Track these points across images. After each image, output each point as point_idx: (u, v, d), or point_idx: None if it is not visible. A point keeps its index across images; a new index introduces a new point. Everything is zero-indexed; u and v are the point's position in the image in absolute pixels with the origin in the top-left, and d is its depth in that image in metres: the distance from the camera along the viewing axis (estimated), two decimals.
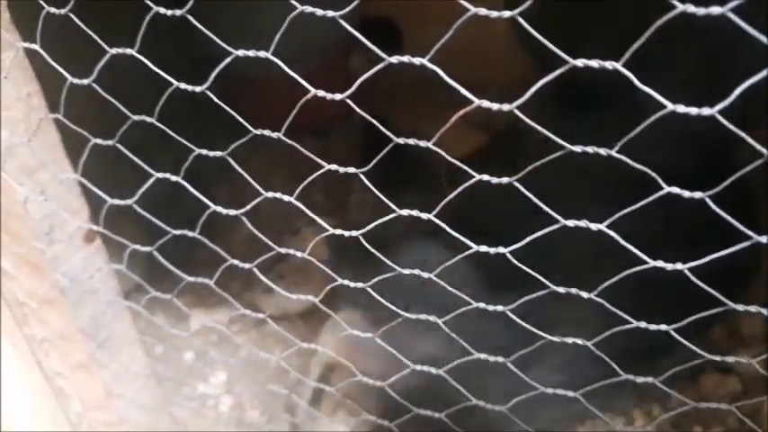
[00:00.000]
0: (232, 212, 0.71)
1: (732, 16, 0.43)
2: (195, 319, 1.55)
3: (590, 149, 0.50)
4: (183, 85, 0.64)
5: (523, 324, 0.66)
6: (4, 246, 0.90)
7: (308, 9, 0.53)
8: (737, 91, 0.45)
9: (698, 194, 0.49)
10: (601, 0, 1.29)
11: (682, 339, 0.57)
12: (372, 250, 0.68)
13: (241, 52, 0.58)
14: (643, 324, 0.58)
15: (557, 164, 0.53)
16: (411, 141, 0.56)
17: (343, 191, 1.86)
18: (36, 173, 0.84)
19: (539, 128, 0.53)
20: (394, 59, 0.52)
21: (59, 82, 0.72)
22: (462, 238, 0.59)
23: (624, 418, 1.33)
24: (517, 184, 0.54)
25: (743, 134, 0.47)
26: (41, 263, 0.90)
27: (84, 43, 0.68)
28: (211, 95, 0.64)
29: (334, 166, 0.61)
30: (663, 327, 0.57)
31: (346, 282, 0.71)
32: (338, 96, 0.55)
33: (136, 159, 0.74)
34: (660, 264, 0.53)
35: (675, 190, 0.49)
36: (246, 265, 0.75)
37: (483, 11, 0.47)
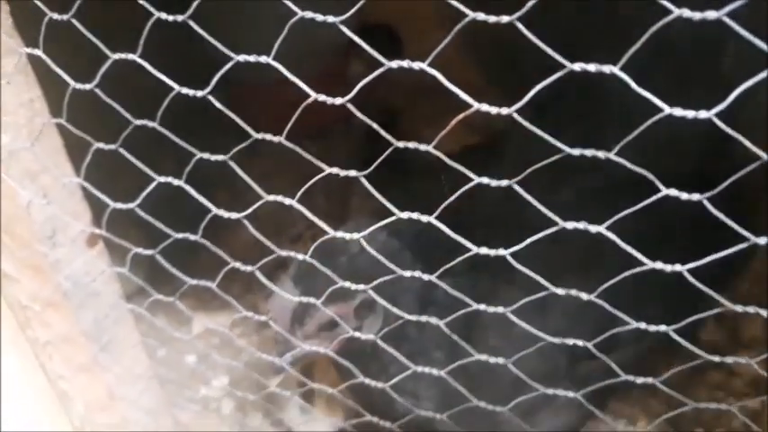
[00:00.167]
0: (234, 216, 0.72)
1: (727, 20, 0.43)
2: (197, 322, 1.55)
3: (588, 153, 0.50)
4: (185, 90, 0.65)
5: (522, 324, 0.67)
6: (8, 249, 0.91)
7: (309, 15, 0.53)
8: (734, 94, 0.45)
9: (695, 196, 0.50)
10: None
11: (681, 340, 0.58)
12: (374, 252, 0.68)
13: (242, 57, 0.58)
14: (642, 325, 0.58)
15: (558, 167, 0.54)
16: (411, 145, 0.57)
17: (344, 193, 1.86)
18: (39, 177, 0.85)
19: (539, 132, 0.53)
20: (393, 64, 0.52)
21: (62, 87, 0.73)
22: (462, 240, 0.59)
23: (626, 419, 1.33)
24: (517, 187, 0.55)
25: (740, 137, 0.48)
26: (44, 266, 0.90)
27: (85, 48, 0.69)
28: (213, 100, 0.64)
29: (335, 170, 0.61)
30: (662, 327, 0.57)
31: (347, 284, 0.71)
32: (338, 101, 0.56)
33: (138, 163, 0.75)
34: (659, 265, 0.54)
35: (674, 192, 0.50)
36: (248, 268, 0.75)
37: (482, 15, 0.48)
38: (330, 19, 0.53)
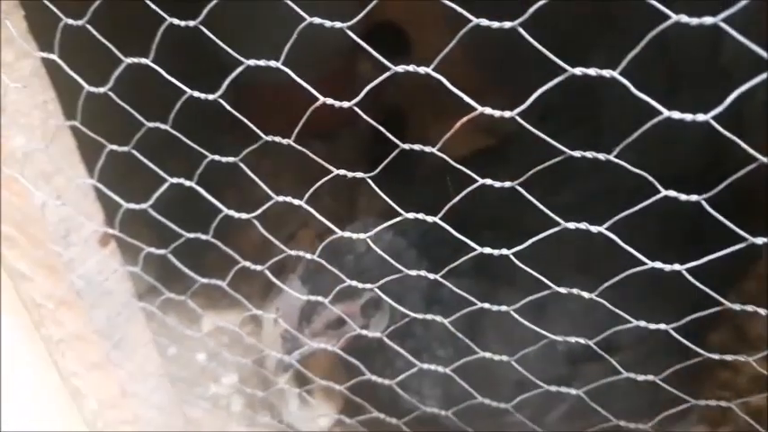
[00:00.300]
0: (244, 216, 0.73)
1: (724, 26, 0.44)
2: (207, 320, 1.57)
3: (589, 155, 0.52)
4: (196, 93, 0.66)
5: (525, 322, 0.68)
6: (23, 249, 0.93)
7: (317, 20, 0.55)
8: (731, 97, 0.46)
9: (694, 197, 0.51)
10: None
11: (681, 338, 0.59)
12: (381, 252, 0.70)
13: (252, 62, 0.60)
14: (642, 323, 0.59)
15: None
16: (417, 147, 0.58)
17: (353, 193, 1.87)
18: (53, 178, 0.86)
19: (541, 135, 0.54)
20: (399, 68, 0.53)
21: (75, 89, 0.74)
22: (466, 240, 0.60)
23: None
24: (519, 188, 0.56)
25: (737, 139, 0.49)
26: (58, 265, 0.92)
27: (98, 52, 0.70)
28: (224, 103, 0.66)
29: (342, 171, 0.62)
30: (662, 326, 0.59)
31: (354, 283, 0.73)
32: (345, 104, 0.57)
33: (150, 165, 0.76)
34: (659, 265, 0.55)
35: (672, 193, 0.51)
36: (258, 267, 0.77)
37: (485, 21, 0.49)
38: (338, 25, 0.54)
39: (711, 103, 0.47)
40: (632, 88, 0.48)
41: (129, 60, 0.66)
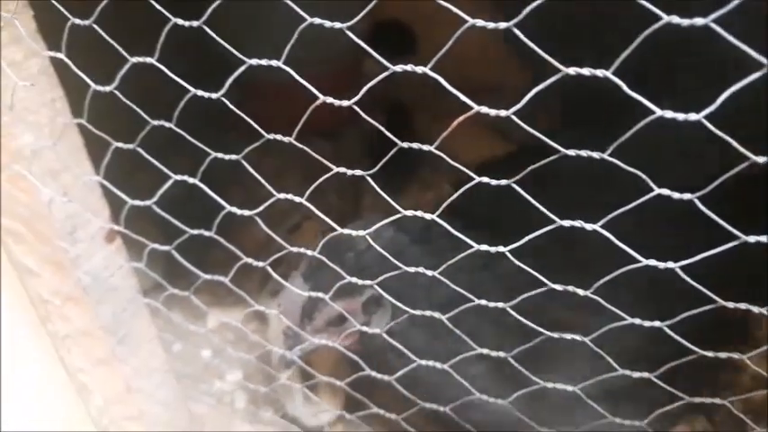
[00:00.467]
0: (246, 213, 0.74)
1: (715, 27, 0.45)
2: (212, 317, 1.58)
3: (584, 153, 0.52)
4: (200, 92, 0.67)
5: (525, 321, 0.69)
6: (30, 245, 0.94)
7: (317, 21, 0.56)
8: (723, 96, 0.47)
9: (687, 196, 0.51)
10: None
11: (675, 335, 0.59)
12: (379, 249, 0.71)
13: (254, 61, 0.61)
14: (637, 321, 0.60)
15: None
16: (415, 145, 0.59)
17: (357, 189, 1.89)
18: (60, 175, 0.88)
19: (537, 134, 0.55)
20: (398, 68, 0.54)
21: (83, 88, 0.75)
22: (464, 238, 0.61)
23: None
24: (516, 187, 0.57)
25: (730, 139, 0.49)
26: (65, 261, 0.93)
27: (105, 51, 0.71)
28: (227, 102, 0.67)
29: (342, 169, 0.63)
30: (656, 323, 0.59)
31: (354, 279, 0.74)
32: (345, 103, 0.58)
33: (155, 162, 0.78)
34: (653, 262, 0.55)
35: (665, 192, 0.52)
36: (260, 264, 0.78)
37: (480, 22, 0.50)
38: (337, 25, 0.55)
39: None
40: (625, 87, 0.49)
41: (135, 60, 0.68)
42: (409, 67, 0.55)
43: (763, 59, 0.46)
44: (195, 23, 0.62)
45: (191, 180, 0.76)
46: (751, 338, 1.44)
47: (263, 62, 0.61)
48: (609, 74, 0.48)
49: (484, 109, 0.53)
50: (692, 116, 0.48)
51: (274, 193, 0.70)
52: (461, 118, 0.55)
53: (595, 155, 0.52)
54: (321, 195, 0.69)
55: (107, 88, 0.72)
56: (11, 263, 0.98)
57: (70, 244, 0.91)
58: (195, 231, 0.82)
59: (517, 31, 0.50)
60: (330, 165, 0.65)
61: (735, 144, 0.49)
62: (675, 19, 0.45)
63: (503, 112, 0.52)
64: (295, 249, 0.76)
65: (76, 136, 0.88)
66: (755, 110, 0.88)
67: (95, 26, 0.68)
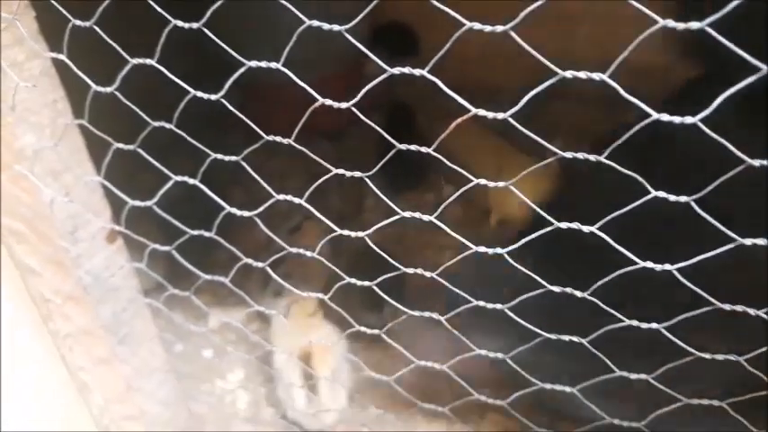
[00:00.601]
0: (246, 214, 0.75)
1: (710, 31, 0.45)
2: (214, 317, 1.59)
3: (580, 156, 0.53)
4: (199, 93, 0.67)
5: (523, 323, 0.69)
6: (32, 245, 0.95)
7: (315, 23, 0.56)
8: (719, 100, 0.47)
9: (683, 198, 0.52)
10: None
11: (672, 337, 0.60)
12: (377, 250, 0.71)
13: (254, 63, 0.61)
14: (635, 322, 0.60)
15: None
16: (413, 147, 0.59)
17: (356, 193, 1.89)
18: (61, 175, 0.88)
19: (535, 137, 0.55)
20: (396, 70, 0.55)
21: (84, 89, 0.76)
22: (462, 239, 0.62)
23: None
24: (514, 188, 0.57)
25: (725, 142, 0.50)
26: (66, 261, 0.94)
27: (107, 52, 0.72)
28: (226, 103, 0.67)
29: (341, 171, 0.64)
30: (654, 325, 0.59)
31: (353, 280, 0.74)
32: (344, 105, 0.58)
33: (155, 163, 0.78)
34: (650, 264, 0.56)
35: (662, 194, 0.52)
36: (259, 264, 0.78)
37: (477, 25, 0.50)
38: (335, 28, 0.55)
39: None
40: (622, 91, 0.49)
41: (135, 61, 0.68)
42: (407, 70, 0.55)
43: (761, 65, 0.46)
44: (195, 25, 0.62)
45: (191, 181, 0.76)
46: None
47: (263, 64, 0.61)
48: (605, 77, 0.49)
49: (481, 111, 0.53)
50: (689, 119, 0.48)
51: (273, 194, 0.70)
52: (459, 120, 0.56)
53: (591, 157, 0.52)
54: (325, 196, 0.69)
55: (108, 89, 0.72)
56: (13, 262, 0.99)
57: (71, 244, 0.92)
58: (195, 232, 0.82)
59: (514, 35, 0.50)
60: (329, 166, 0.65)
61: (731, 147, 0.49)
62: (671, 23, 0.46)
63: (500, 115, 0.53)
64: (294, 250, 0.76)
65: (78, 137, 0.89)
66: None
67: (96, 28, 0.68)
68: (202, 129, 0.85)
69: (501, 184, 0.57)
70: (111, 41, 0.69)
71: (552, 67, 0.49)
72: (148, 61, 0.68)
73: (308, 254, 0.73)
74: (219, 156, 0.72)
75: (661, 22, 0.46)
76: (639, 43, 0.47)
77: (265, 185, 0.71)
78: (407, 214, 0.63)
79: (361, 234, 0.68)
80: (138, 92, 0.75)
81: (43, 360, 1.10)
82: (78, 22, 0.70)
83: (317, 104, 0.59)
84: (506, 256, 0.60)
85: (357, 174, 0.63)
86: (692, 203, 0.52)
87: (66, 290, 0.98)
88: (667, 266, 0.55)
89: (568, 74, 0.49)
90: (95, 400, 1.15)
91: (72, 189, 0.90)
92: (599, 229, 0.56)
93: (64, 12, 0.71)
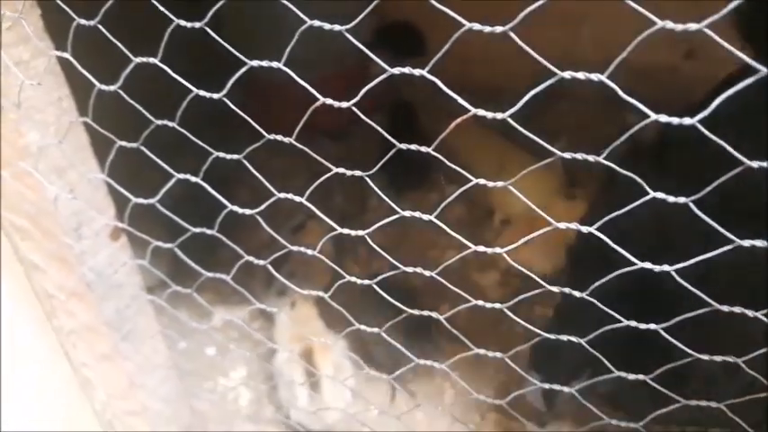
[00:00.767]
0: (248, 212, 0.75)
1: (708, 32, 0.45)
2: (217, 315, 1.59)
3: (579, 156, 0.53)
4: (202, 92, 0.68)
5: (526, 324, 0.69)
6: (36, 241, 0.95)
7: (317, 23, 0.56)
8: (716, 101, 0.47)
9: (681, 199, 0.52)
10: None
11: (670, 338, 0.60)
12: (377, 248, 0.71)
13: (255, 63, 0.61)
14: (633, 323, 0.60)
15: None
16: (413, 147, 0.59)
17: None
18: (66, 172, 0.89)
19: (535, 138, 0.56)
20: (396, 71, 0.55)
21: (88, 87, 0.76)
22: (460, 238, 0.62)
23: None
24: (512, 188, 0.57)
25: (723, 143, 0.50)
26: (70, 258, 0.94)
27: (112, 51, 0.72)
28: (229, 102, 0.67)
29: (341, 170, 0.64)
30: (652, 326, 0.60)
31: (353, 278, 0.74)
32: (344, 104, 0.59)
33: (158, 161, 0.78)
34: (648, 265, 0.56)
35: (660, 195, 0.52)
36: (261, 262, 0.78)
37: (477, 26, 0.50)
38: (336, 28, 0.55)
39: None
40: (621, 92, 0.49)
41: (139, 60, 0.69)
42: (407, 70, 0.55)
43: (761, 67, 0.46)
44: (198, 25, 0.63)
45: (193, 179, 0.76)
46: None
47: (265, 63, 0.62)
48: (604, 78, 0.49)
49: (480, 111, 0.54)
50: (687, 120, 0.48)
51: (275, 192, 0.70)
52: (459, 120, 0.56)
53: (590, 158, 0.52)
54: (329, 196, 0.70)
55: (112, 87, 0.73)
56: (17, 258, 0.99)
57: (75, 240, 0.93)
58: (197, 229, 0.82)
59: (513, 35, 0.50)
60: (330, 165, 0.66)
61: (729, 149, 0.49)
62: (669, 24, 0.46)
63: (499, 115, 0.53)
64: (296, 248, 0.76)
65: (82, 134, 0.90)
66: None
67: (100, 27, 0.69)
68: (205, 127, 0.86)
69: (500, 183, 0.57)
70: (115, 40, 0.69)
71: (551, 67, 0.49)
72: (152, 60, 0.68)
73: (310, 252, 0.74)
74: (222, 154, 0.72)
75: (659, 23, 0.46)
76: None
77: (267, 184, 0.71)
78: (407, 213, 0.64)
79: (361, 233, 0.68)
80: (141, 90, 0.76)
81: (45, 359, 1.10)
82: (83, 21, 0.70)
83: (317, 104, 0.60)
84: (506, 255, 0.61)
85: (358, 173, 0.63)
86: (691, 204, 0.52)
87: (69, 286, 0.99)
88: (666, 267, 0.55)
89: (567, 74, 0.50)
90: (98, 396, 1.16)
91: (76, 186, 0.90)
92: (597, 229, 0.56)
93: (69, 11, 0.71)
